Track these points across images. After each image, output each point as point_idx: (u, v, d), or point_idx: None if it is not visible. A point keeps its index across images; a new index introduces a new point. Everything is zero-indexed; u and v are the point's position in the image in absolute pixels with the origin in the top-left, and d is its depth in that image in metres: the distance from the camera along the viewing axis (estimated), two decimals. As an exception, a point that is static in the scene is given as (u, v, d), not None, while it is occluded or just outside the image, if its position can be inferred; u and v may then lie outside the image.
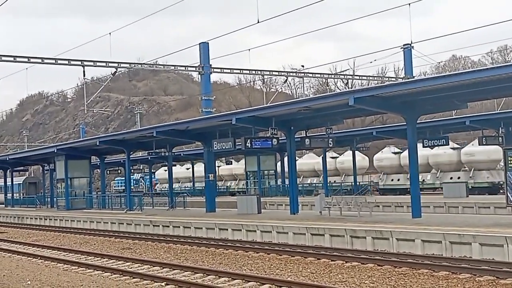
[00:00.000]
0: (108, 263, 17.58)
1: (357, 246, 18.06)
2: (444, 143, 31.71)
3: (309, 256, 16.98)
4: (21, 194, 59.37)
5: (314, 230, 19.68)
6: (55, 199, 45.38)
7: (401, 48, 41.77)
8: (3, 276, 14.81)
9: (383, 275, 13.70)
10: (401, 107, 21.65)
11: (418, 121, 22.99)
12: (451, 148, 40.80)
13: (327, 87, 56.18)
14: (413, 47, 40.26)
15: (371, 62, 49.10)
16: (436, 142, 31.71)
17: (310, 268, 15.21)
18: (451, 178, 40.33)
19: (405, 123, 22.79)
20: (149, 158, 45.55)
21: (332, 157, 48.13)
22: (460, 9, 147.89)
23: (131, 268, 16.42)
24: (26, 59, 33.33)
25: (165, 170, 52.10)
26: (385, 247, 17.33)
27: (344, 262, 15.76)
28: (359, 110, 23.68)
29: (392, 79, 54.09)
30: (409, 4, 29.50)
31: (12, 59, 32.72)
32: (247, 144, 25.01)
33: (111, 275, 15.24)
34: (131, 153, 38.22)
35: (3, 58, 32.45)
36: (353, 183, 43.58)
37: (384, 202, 32.52)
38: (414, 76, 42.36)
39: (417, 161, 22.32)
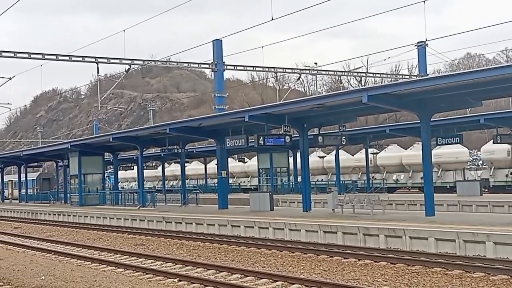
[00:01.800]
0: (121, 259, 17.68)
1: (370, 244, 18.00)
2: (458, 141, 31.51)
3: (321, 253, 16.97)
4: (35, 189, 59.83)
5: (327, 227, 19.65)
6: (68, 195, 45.68)
7: (415, 45, 41.58)
8: (17, 271, 14.92)
9: (396, 273, 13.65)
10: (415, 105, 21.52)
11: (431, 119, 22.86)
12: (318, 156, 51.03)
13: (341, 85, 55.95)
14: (427, 44, 40.05)
15: (384, 60, 49.09)
16: (449, 140, 31.51)
17: (322, 265, 15.20)
18: (317, 180, 49.16)
19: (418, 121, 22.65)
20: (162, 155, 45.78)
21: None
22: (475, 7, 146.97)
23: (144, 264, 16.51)
24: (40, 56, 33.52)
25: (125, 171, 57.91)
26: (398, 245, 17.26)
27: (357, 260, 15.73)
28: (373, 108, 23.58)
29: (406, 77, 53.82)
30: (424, 1, 29.33)
31: (27, 55, 32.92)
32: (260, 141, 24.98)
33: (124, 270, 15.33)
34: (144, 149, 38.35)
35: (18, 55, 32.65)
36: (366, 181, 43.40)
37: (397, 200, 32.38)
38: (428, 74, 42.17)
39: (430, 160, 22.20)
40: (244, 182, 58.17)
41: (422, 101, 21.17)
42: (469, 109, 35.99)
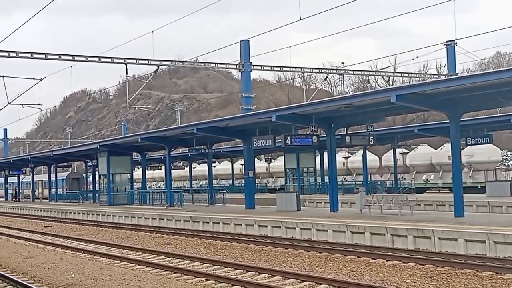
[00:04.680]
0: (149, 258, 17.83)
1: (398, 244, 17.86)
2: (488, 141, 31.07)
3: (349, 254, 16.88)
4: (65, 189, 60.64)
5: (354, 228, 19.54)
6: (97, 194, 46.20)
7: (444, 44, 41.09)
8: (47, 269, 15.15)
9: (425, 275, 13.52)
10: (444, 104, 21.28)
11: (460, 119, 22.58)
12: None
13: (368, 85, 55.55)
14: (456, 43, 39.56)
15: (413, 59, 48.35)
16: (479, 140, 31.09)
17: (350, 266, 15.12)
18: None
19: (447, 121, 22.39)
20: (189, 155, 46.02)
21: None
22: (505, 5, 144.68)
23: (172, 263, 16.61)
24: (70, 57, 33.93)
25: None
26: (427, 246, 17.09)
27: (385, 260, 15.61)
28: (401, 108, 23.38)
29: (435, 76, 53.24)
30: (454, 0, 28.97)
31: (57, 57, 33.36)
32: (287, 141, 24.95)
33: (152, 269, 15.45)
34: (172, 149, 38.58)
35: (49, 56, 33.11)
36: (394, 181, 43.05)
37: (426, 200, 32.05)
38: (457, 73, 41.66)
39: (460, 160, 21.93)
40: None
41: (451, 101, 20.94)
42: (499, 108, 35.49)
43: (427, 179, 44.87)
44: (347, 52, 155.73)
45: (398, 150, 46.62)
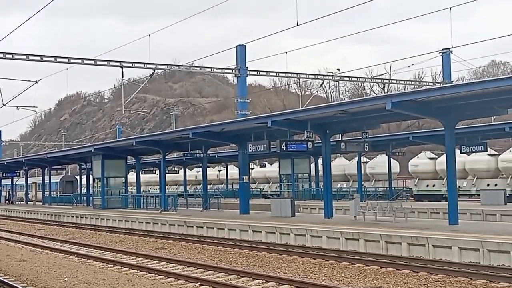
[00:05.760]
0: (143, 262, 17.77)
1: (392, 252, 17.87)
2: (482, 149, 31.14)
3: (343, 260, 16.88)
4: (58, 192, 60.43)
5: (349, 234, 19.55)
6: (91, 198, 46.06)
7: (440, 52, 41.24)
8: (41, 272, 15.09)
9: (419, 282, 13.53)
10: (439, 112, 21.34)
11: (455, 127, 22.64)
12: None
13: (363, 91, 55.64)
14: (452, 51, 39.71)
15: (408, 67, 48.44)
16: (474, 148, 31.16)
17: (344, 272, 15.11)
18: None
19: (442, 129, 22.45)
20: (184, 159, 45.97)
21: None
22: (500, 14, 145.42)
23: (166, 267, 16.57)
24: (66, 60, 33.92)
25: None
26: (421, 254, 17.11)
27: (379, 267, 15.61)
28: (396, 115, 23.44)
29: (430, 83, 53.41)
30: (450, 8, 29.11)
31: (53, 59, 33.33)
32: (282, 147, 24.97)
33: (146, 274, 15.41)
34: (167, 154, 38.54)
35: (45, 59, 33.08)
36: (388, 188, 43.12)
37: (420, 208, 32.08)
38: (452, 81, 41.82)
39: (455, 167, 21.97)
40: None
41: (446, 109, 21.00)
42: (494, 117, 35.61)
43: (340, 188, 47.80)
44: (343, 58, 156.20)
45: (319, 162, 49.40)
